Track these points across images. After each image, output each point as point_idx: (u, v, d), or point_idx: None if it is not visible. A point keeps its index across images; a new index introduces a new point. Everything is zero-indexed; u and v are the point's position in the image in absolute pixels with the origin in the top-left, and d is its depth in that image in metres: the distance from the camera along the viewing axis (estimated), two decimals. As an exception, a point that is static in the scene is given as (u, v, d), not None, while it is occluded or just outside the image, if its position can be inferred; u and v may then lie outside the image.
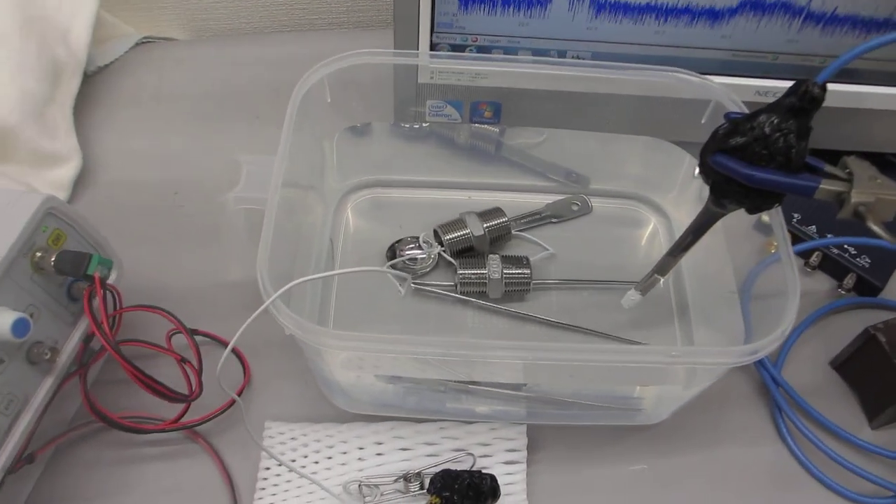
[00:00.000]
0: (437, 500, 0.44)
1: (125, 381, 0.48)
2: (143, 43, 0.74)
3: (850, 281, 0.60)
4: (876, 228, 0.40)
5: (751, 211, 0.45)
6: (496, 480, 0.46)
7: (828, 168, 0.42)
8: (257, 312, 0.38)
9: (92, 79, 0.70)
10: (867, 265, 0.60)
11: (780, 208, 0.47)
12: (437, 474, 0.46)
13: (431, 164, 0.62)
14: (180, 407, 0.49)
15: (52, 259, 0.44)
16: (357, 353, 0.43)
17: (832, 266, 0.61)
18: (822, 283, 0.62)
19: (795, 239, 0.62)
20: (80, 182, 0.63)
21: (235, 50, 0.74)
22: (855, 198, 0.40)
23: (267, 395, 0.54)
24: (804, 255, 0.62)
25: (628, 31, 0.56)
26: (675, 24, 0.56)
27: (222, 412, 0.51)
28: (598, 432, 0.53)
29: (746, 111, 0.43)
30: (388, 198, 0.62)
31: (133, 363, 0.43)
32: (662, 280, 0.51)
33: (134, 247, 0.58)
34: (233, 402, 0.51)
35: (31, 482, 0.49)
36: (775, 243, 0.60)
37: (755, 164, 0.41)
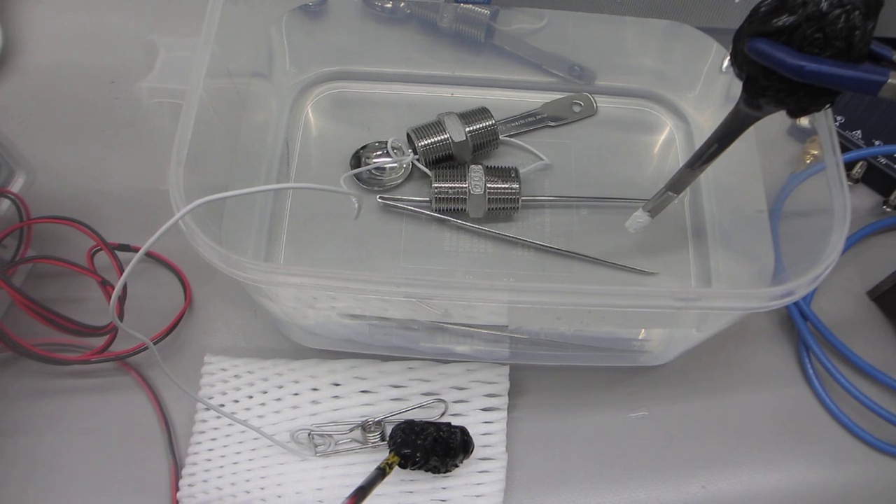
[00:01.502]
0: (396, 458, 0.37)
1: (48, 299, 0.41)
2: None
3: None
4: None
5: (794, 114, 0.35)
6: (468, 433, 0.39)
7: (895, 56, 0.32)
8: (161, 230, 0.30)
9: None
10: (923, 181, 0.51)
11: (829, 109, 0.37)
12: (397, 426, 0.39)
13: (407, 54, 0.52)
14: (107, 340, 0.42)
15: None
16: (298, 290, 0.35)
17: (878, 178, 0.52)
18: (865, 198, 0.53)
19: (837, 148, 0.53)
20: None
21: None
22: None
23: (210, 324, 0.46)
24: (846, 166, 0.53)
25: None
26: None
27: (155, 342, 0.44)
28: (592, 374, 0.46)
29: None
30: (355, 93, 0.52)
31: (24, 292, 0.36)
32: (677, 198, 0.42)
33: (56, 148, 0.50)
34: (171, 329, 0.44)
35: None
36: (814, 152, 0.52)
37: (805, 51, 0.32)
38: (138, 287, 0.46)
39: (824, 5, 0.31)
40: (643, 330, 0.43)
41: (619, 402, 0.45)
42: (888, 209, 0.52)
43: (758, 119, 0.37)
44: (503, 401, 0.43)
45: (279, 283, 0.33)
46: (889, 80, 0.31)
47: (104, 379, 0.45)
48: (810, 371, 0.46)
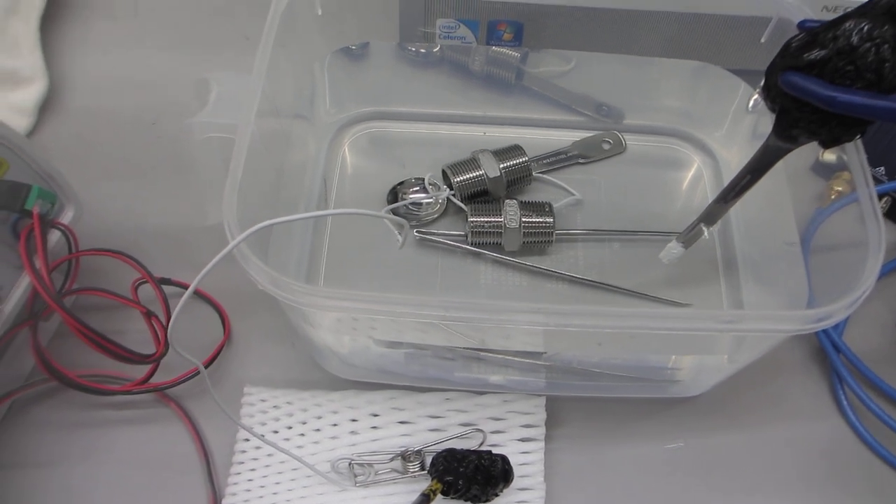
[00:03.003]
0: (439, 485, 0.37)
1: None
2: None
3: (924, 234, 0.52)
4: None
5: (826, 144, 0.37)
6: (508, 462, 0.39)
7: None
8: (219, 257, 0.31)
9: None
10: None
11: (860, 140, 0.38)
12: (439, 454, 0.39)
13: (441, 95, 0.54)
14: (149, 370, 0.43)
15: (-14, 192, 0.37)
16: (342, 314, 0.36)
17: (903, 214, 0.53)
18: (891, 233, 0.53)
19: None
20: (46, 107, 0.56)
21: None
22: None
23: (249, 356, 0.47)
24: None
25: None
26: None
27: (193, 376, 0.44)
28: (627, 405, 0.46)
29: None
30: (390, 132, 0.54)
31: (79, 317, 0.37)
32: (709, 231, 0.43)
33: (102, 183, 0.52)
34: (213, 360, 0.45)
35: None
36: (838, 188, 0.53)
37: (837, 83, 0.33)
38: (180, 320, 0.47)
39: (854, 39, 0.32)
40: (674, 358, 0.43)
41: (654, 433, 0.45)
42: (916, 244, 0.53)
43: (790, 151, 0.38)
44: (540, 431, 0.43)
45: (325, 306, 0.34)
46: (923, 114, 0.33)
47: (143, 411, 0.45)
48: (844, 403, 0.46)
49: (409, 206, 0.49)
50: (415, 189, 0.50)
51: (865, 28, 0.32)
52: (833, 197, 0.53)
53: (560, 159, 0.53)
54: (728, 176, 0.50)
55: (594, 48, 0.51)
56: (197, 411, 0.45)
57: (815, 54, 0.33)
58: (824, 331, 0.48)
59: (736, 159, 0.52)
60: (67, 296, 0.42)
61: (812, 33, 0.34)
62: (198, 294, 0.48)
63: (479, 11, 0.51)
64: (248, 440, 0.43)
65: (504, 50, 0.54)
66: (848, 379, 0.46)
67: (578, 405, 0.46)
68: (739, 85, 0.50)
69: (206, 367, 0.45)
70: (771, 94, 0.36)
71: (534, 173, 0.51)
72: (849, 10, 0.33)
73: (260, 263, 0.33)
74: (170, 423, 0.45)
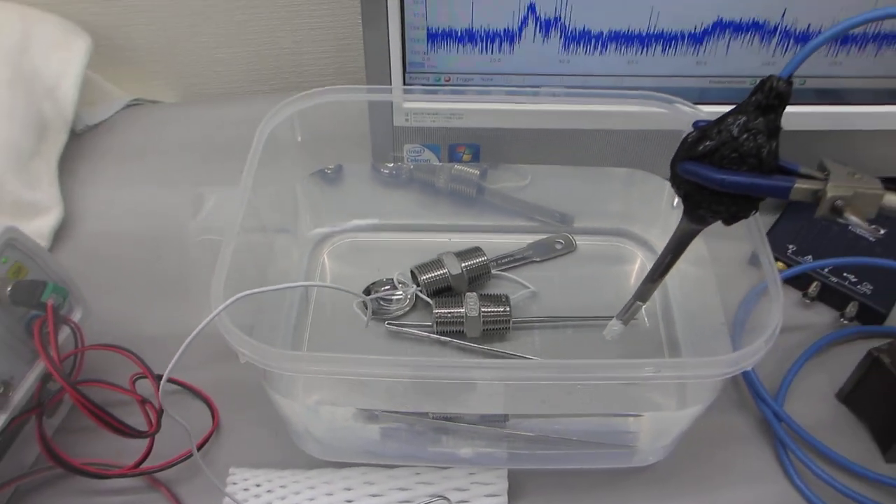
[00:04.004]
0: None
1: (89, 428, 0.46)
2: (132, 105, 0.76)
3: (852, 310, 0.57)
4: (854, 219, 0.38)
5: (727, 221, 0.43)
6: (471, 520, 0.43)
7: (803, 169, 0.40)
8: (204, 323, 0.37)
9: (80, 137, 0.71)
10: (869, 292, 0.58)
11: (757, 215, 0.45)
12: (406, 514, 0.42)
13: (410, 208, 0.61)
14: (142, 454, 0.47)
15: (8, 289, 0.43)
16: (310, 376, 0.41)
17: (832, 296, 0.59)
18: (824, 314, 0.59)
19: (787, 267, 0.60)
20: (61, 233, 0.63)
21: (224, 111, 0.75)
22: (831, 192, 0.39)
23: (235, 442, 0.51)
24: (800, 286, 0.59)
25: (600, 63, 0.56)
26: (648, 53, 0.56)
27: (183, 459, 0.48)
28: (587, 476, 0.49)
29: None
30: (366, 242, 0.61)
31: (85, 395, 0.41)
32: (643, 306, 0.48)
33: (107, 295, 0.57)
34: (204, 443, 0.49)
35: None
36: (769, 276, 0.59)
37: (726, 167, 0.40)
38: (172, 411, 0.51)
39: (735, 131, 0.39)
40: (631, 420, 0.47)
41: (613, 502, 0.48)
42: (845, 321, 0.58)
43: (700, 230, 0.44)
44: (503, 500, 0.46)
45: (300, 370, 0.39)
46: (796, 185, 0.39)
47: (136, 496, 0.49)
48: (789, 468, 0.50)
49: (381, 302, 0.54)
50: (386, 287, 0.55)
51: (742, 121, 0.39)
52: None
53: (517, 259, 0.59)
54: (665, 264, 0.57)
55: (543, 162, 0.59)
56: (185, 495, 0.48)
57: (706, 146, 0.40)
58: (767, 404, 0.52)
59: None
60: (81, 385, 0.47)
61: (702, 129, 0.41)
62: (190, 390, 0.53)
63: (441, 137, 0.60)
64: (233, 516, 0.46)
65: (465, 168, 0.61)
66: (791, 445, 0.50)
67: (540, 477, 0.49)
68: (665, 186, 0.57)
69: (200, 447, 0.49)
70: (675, 182, 0.43)
71: (493, 271, 0.57)
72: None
73: (238, 332, 0.38)
74: (153, 504, 0.48)
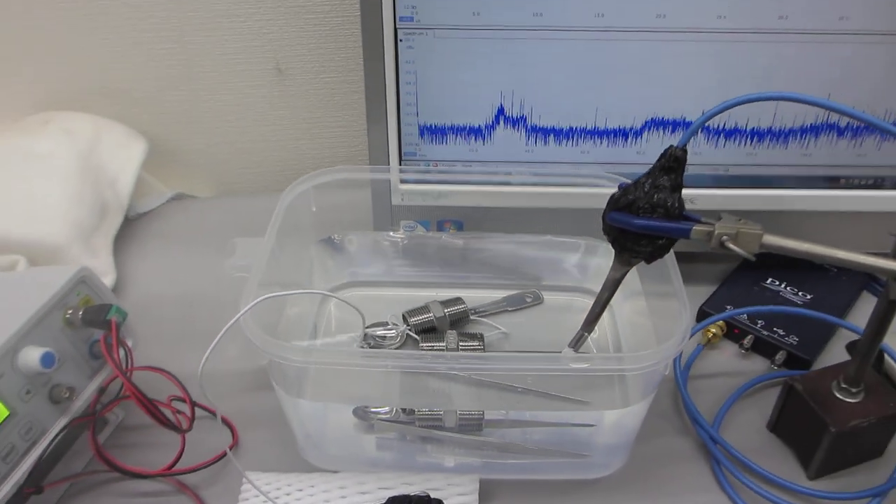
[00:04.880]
0: (388, 510, 0.49)
1: (131, 444, 0.59)
2: (175, 199, 0.90)
3: (780, 357, 0.67)
4: (736, 249, 0.49)
5: (648, 259, 0.54)
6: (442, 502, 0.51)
7: (703, 219, 0.52)
8: (233, 321, 0.48)
9: (132, 221, 0.85)
10: (795, 343, 0.68)
11: (672, 255, 0.56)
12: (387, 499, 0.51)
13: (404, 270, 0.73)
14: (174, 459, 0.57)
15: (80, 312, 0.55)
16: (311, 366, 0.52)
17: (764, 346, 0.69)
18: (757, 363, 0.69)
19: (728, 326, 0.70)
20: (113, 293, 0.75)
21: (251, 203, 0.88)
22: (719, 230, 0.50)
23: (252, 457, 0.60)
24: (737, 339, 0.70)
25: (558, 152, 0.70)
26: (596, 144, 0.69)
27: (212, 463, 0.58)
28: (549, 486, 0.58)
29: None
30: (367, 296, 0.72)
31: (137, 387, 0.52)
32: (589, 335, 0.59)
33: (149, 339, 0.68)
34: (222, 455, 0.58)
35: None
36: (712, 331, 0.69)
37: (643, 215, 0.51)
38: (199, 432, 0.61)
39: (647, 187, 0.52)
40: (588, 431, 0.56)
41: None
42: (775, 367, 0.67)
43: (629, 269, 0.55)
44: (474, 498, 0.55)
45: (310, 361, 0.49)
46: (695, 227, 0.51)
47: (167, 498, 0.58)
48: (723, 481, 0.58)
49: (377, 338, 0.65)
50: (380, 329, 0.66)
51: (652, 180, 0.52)
52: (709, 336, 0.69)
53: (494, 309, 0.70)
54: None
55: (514, 232, 0.71)
56: (210, 499, 0.57)
57: (627, 199, 0.52)
58: (704, 428, 0.61)
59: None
60: (122, 401, 0.57)
61: (624, 188, 0.53)
62: (213, 415, 0.63)
63: (430, 214, 0.72)
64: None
65: (451, 239, 0.73)
66: (725, 462, 0.59)
67: (509, 486, 0.57)
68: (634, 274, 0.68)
69: (219, 458, 0.58)
70: (606, 230, 0.54)
71: (471, 317, 0.68)
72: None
73: (260, 331, 0.49)
74: (187, 507, 0.57)
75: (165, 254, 0.81)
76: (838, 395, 0.58)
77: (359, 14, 0.63)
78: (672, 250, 0.54)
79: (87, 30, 0.83)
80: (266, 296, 0.49)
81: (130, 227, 0.84)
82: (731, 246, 0.50)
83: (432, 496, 0.53)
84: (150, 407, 0.52)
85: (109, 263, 0.76)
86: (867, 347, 0.55)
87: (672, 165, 0.51)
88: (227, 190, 0.95)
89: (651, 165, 0.52)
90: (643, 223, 0.51)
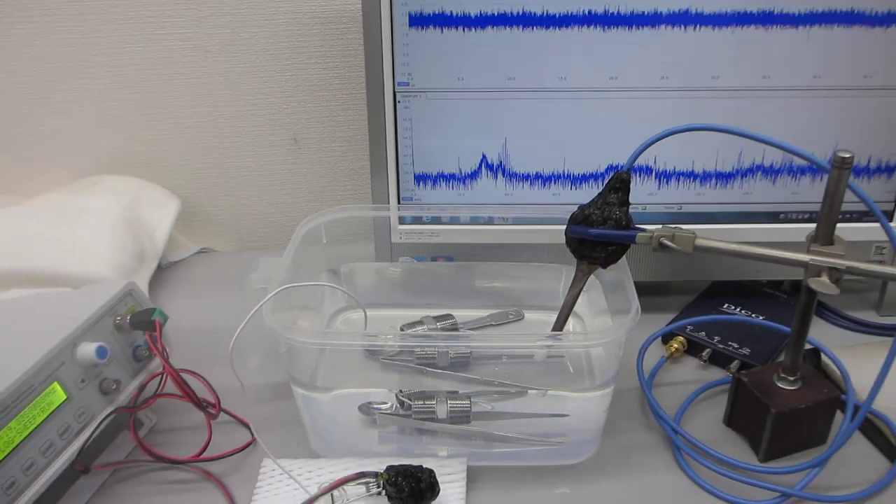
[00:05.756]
0: (385, 475, 0.58)
1: (162, 443, 0.68)
2: (201, 252, 1.02)
3: (735, 366, 0.76)
4: (674, 246, 0.60)
5: (604, 264, 0.64)
6: (434, 474, 0.60)
7: (648, 228, 0.63)
8: (259, 305, 0.58)
9: (165, 270, 0.96)
10: (748, 353, 0.77)
11: (625, 260, 0.66)
12: (386, 467, 0.60)
13: (402, 295, 0.84)
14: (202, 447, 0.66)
15: (128, 318, 0.65)
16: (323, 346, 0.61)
17: (720, 358, 0.78)
18: (715, 373, 0.78)
19: (690, 343, 0.79)
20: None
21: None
22: (658, 233, 0.61)
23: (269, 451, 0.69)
24: (696, 352, 0.79)
25: (533, 195, 0.81)
26: (566, 187, 0.81)
27: (237, 452, 0.67)
28: (529, 471, 0.66)
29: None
30: (370, 315, 0.81)
31: (176, 370, 0.62)
32: (560, 333, 0.68)
33: (180, 361, 0.78)
34: (249, 443, 0.67)
35: (83, 497, 0.63)
36: (674, 346, 0.78)
37: (598, 227, 0.63)
38: (221, 434, 0.69)
39: (599, 203, 0.63)
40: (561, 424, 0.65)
41: (549, 485, 0.65)
42: (730, 373, 0.76)
43: (590, 273, 0.65)
44: (462, 476, 0.63)
45: (323, 343, 0.59)
46: (639, 234, 0.62)
47: (196, 484, 0.66)
48: (683, 464, 0.66)
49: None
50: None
51: (602, 199, 0.63)
52: (672, 350, 0.79)
53: (479, 324, 0.80)
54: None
55: (497, 261, 0.82)
56: (231, 486, 0.65)
57: (583, 214, 0.63)
58: (665, 421, 0.69)
59: (594, 320, 0.79)
60: (160, 397, 0.67)
61: (581, 207, 0.64)
62: (235, 418, 0.71)
63: (424, 250, 0.83)
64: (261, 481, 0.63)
65: (443, 270, 0.84)
66: (685, 448, 0.67)
67: (493, 472, 0.65)
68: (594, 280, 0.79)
69: (245, 447, 0.67)
70: (567, 242, 0.65)
71: (460, 330, 0.77)
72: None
73: (279, 318, 0.59)
74: (212, 492, 0.65)
75: (192, 296, 0.92)
76: (779, 385, 0.67)
77: (363, 83, 0.77)
78: (637, 283, 0.65)
79: (134, 108, 0.97)
80: (286, 286, 0.59)
81: (162, 274, 0.96)
82: (669, 243, 0.60)
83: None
84: (186, 387, 0.62)
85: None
86: (797, 336, 0.65)
87: (618, 185, 0.63)
88: (246, 245, 1.07)
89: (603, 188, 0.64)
90: (597, 232, 0.62)
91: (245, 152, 1.01)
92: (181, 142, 1.00)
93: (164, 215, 0.96)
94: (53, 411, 0.59)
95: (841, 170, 0.57)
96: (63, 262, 0.84)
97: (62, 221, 0.89)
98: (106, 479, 0.66)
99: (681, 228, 0.62)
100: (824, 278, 0.58)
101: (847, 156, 0.57)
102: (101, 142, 0.99)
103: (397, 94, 0.78)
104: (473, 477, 0.64)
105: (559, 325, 0.68)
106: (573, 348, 0.65)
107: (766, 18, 0.74)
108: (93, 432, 0.61)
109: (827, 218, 0.60)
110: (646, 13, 0.74)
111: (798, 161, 0.81)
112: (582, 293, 0.67)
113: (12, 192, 0.99)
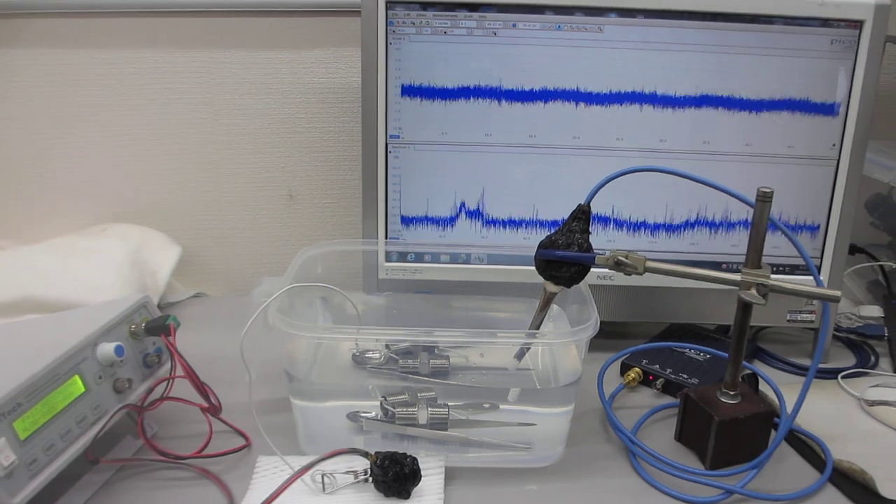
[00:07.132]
0: (373, 457, 0.65)
1: (165, 446, 0.73)
2: (195, 296, 1.09)
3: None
4: (628, 262, 0.70)
5: (568, 284, 0.74)
6: (417, 462, 0.66)
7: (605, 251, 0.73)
8: (261, 308, 0.66)
9: (163, 309, 1.03)
10: (696, 383, 0.85)
11: (586, 283, 0.76)
12: (374, 452, 0.66)
13: (387, 321, 0.92)
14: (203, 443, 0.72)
15: (143, 325, 0.72)
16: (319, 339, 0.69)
17: (672, 387, 0.86)
18: (667, 400, 0.86)
19: (645, 374, 0.88)
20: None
21: (259, 301, 1.08)
22: (614, 254, 0.71)
23: (263, 454, 0.75)
24: (651, 384, 0.87)
25: (506, 237, 0.92)
26: (535, 231, 0.91)
27: (235, 451, 0.73)
28: (500, 472, 0.73)
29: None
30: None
31: (188, 362, 0.69)
32: (529, 349, 0.77)
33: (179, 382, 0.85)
34: (244, 446, 0.73)
35: (90, 491, 0.68)
36: (632, 376, 0.87)
37: (563, 250, 0.72)
38: (219, 439, 0.75)
39: (564, 230, 0.73)
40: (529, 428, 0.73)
41: (518, 483, 0.71)
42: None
43: (556, 294, 0.75)
44: (440, 470, 0.70)
45: (319, 336, 0.67)
46: (598, 256, 0.72)
47: (194, 480, 0.71)
48: (639, 469, 0.73)
49: (365, 356, 0.82)
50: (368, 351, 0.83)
51: (567, 227, 0.73)
52: (629, 379, 0.87)
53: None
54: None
55: (473, 294, 0.91)
56: (229, 483, 0.71)
57: (550, 240, 0.73)
58: (623, 433, 0.77)
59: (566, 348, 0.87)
60: (166, 400, 0.73)
61: (549, 235, 0.74)
62: (231, 427, 0.78)
63: (408, 286, 0.92)
64: (257, 472, 0.69)
65: (425, 302, 0.93)
66: (641, 455, 0.74)
67: (468, 473, 0.72)
68: (561, 312, 0.87)
69: (241, 448, 0.73)
70: (536, 263, 0.75)
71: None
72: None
73: (281, 315, 0.67)
74: (210, 487, 0.70)
75: (188, 331, 0.98)
76: (721, 399, 0.75)
77: (354, 145, 0.88)
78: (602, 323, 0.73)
79: (147, 163, 1.08)
80: (288, 286, 0.68)
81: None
82: (624, 260, 0.70)
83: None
84: (195, 378, 0.68)
85: (146, 331, 0.94)
86: (735, 353, 0.74)
87: (580, 216, 0.73)
88: (238, 292, 1.15)
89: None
90: (562, 254, 0.72)
91: (243, 206, 1.11)
92: (185, 194, 1.09)
93: (166, 258, 1.04)
94: (73, 401, 0.65)
95: (763, 203, 0.69)
96: (74, 293, 0.92)
97: (74, 258, 0.97)
98: (110, 475, 0.71)
99: (635, 253, 0.72)
100: (753, 291, 0.68)
101: (767, 190, 0.68)
102: (112, 192, 1.09)
103: (389, 146, 0.89)
104: (451, 476, 0.71)
105: (526, 344, 0.77)
106: (542, 344, 0.74)
107: (703, 101, 0.88)
108: (105, 424, 0.67)
109: (755, 244, 0.70)
110: (602, 93, 0.88)
111: (735, 217, 0.92)
112: (550, 323, 0.76)
113: (28, 238, 1.07)
